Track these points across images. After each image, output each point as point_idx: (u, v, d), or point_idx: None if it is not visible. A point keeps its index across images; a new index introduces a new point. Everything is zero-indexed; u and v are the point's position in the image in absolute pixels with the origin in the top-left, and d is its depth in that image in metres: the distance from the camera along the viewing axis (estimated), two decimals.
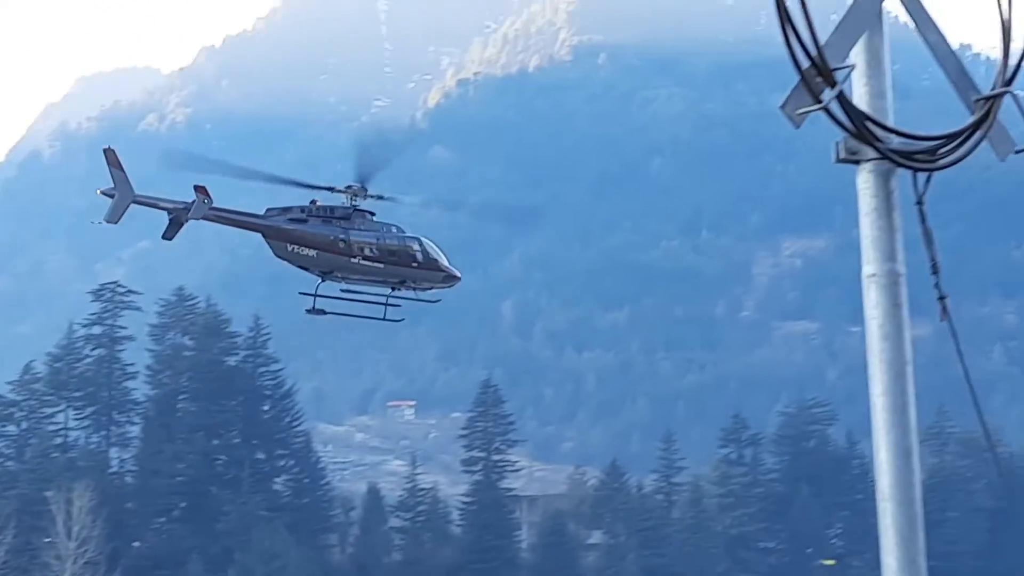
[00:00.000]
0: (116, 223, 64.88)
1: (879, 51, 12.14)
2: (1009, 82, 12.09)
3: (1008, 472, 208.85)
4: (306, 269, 66.13)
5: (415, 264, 65.62)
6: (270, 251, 67.49)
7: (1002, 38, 12.14)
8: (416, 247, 65.79)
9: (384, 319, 67.91)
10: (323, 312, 66.51)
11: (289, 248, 65.43)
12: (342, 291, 66.65)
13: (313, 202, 67.27)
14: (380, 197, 67.29)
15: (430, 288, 66.73)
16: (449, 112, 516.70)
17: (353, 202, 66.45)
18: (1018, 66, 12.10)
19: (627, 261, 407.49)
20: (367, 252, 65.23)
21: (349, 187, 66.74)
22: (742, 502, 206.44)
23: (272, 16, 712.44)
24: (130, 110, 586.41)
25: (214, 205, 64.96)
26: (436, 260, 66.19)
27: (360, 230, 65.89)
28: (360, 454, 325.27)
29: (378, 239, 65.59)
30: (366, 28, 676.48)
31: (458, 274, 67.66)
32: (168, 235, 66.78)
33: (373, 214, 67.40)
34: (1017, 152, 12.47)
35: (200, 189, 64.27)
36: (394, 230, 66.66)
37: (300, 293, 67.31)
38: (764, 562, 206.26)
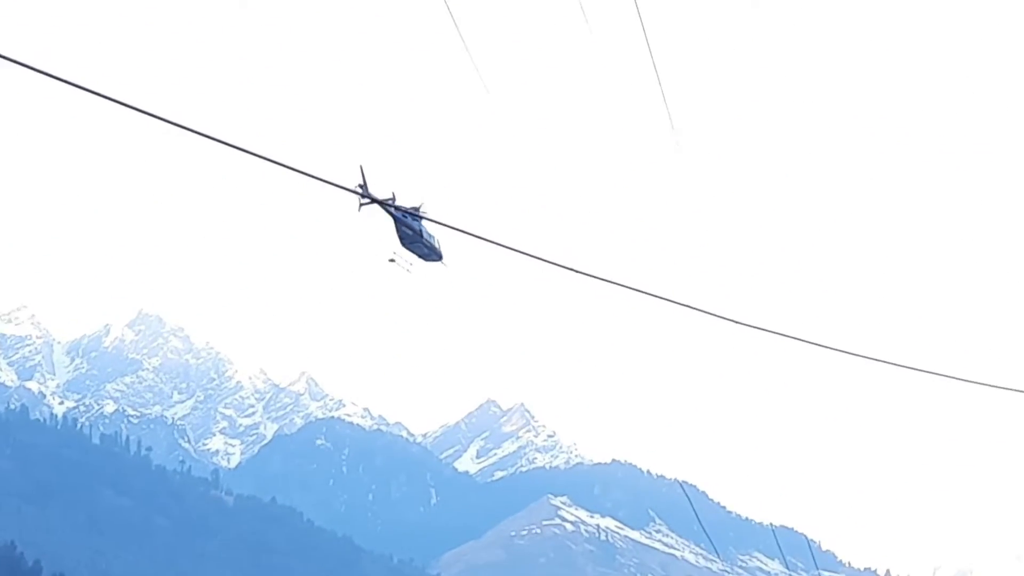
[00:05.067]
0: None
1: None
2: None
3: None
4: (403, 241, 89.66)
5: (429, 244, 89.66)
6: None
7: None
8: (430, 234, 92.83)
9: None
10: (393, 261, 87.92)
11: (402, 230, 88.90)
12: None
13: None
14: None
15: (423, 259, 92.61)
16: None
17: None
18: None
19: None
20: (424, 235, 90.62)
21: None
22: None
23: None
24: None
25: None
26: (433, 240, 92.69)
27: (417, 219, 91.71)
28: None
29: (420, 229, 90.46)
30: None
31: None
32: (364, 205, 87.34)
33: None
34: None
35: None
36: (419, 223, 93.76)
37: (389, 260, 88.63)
38: None
